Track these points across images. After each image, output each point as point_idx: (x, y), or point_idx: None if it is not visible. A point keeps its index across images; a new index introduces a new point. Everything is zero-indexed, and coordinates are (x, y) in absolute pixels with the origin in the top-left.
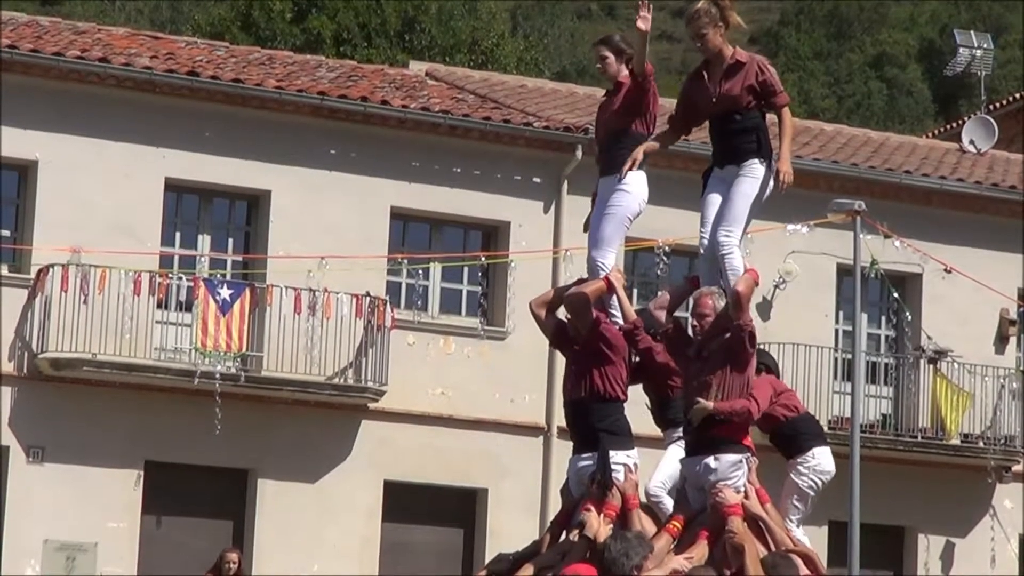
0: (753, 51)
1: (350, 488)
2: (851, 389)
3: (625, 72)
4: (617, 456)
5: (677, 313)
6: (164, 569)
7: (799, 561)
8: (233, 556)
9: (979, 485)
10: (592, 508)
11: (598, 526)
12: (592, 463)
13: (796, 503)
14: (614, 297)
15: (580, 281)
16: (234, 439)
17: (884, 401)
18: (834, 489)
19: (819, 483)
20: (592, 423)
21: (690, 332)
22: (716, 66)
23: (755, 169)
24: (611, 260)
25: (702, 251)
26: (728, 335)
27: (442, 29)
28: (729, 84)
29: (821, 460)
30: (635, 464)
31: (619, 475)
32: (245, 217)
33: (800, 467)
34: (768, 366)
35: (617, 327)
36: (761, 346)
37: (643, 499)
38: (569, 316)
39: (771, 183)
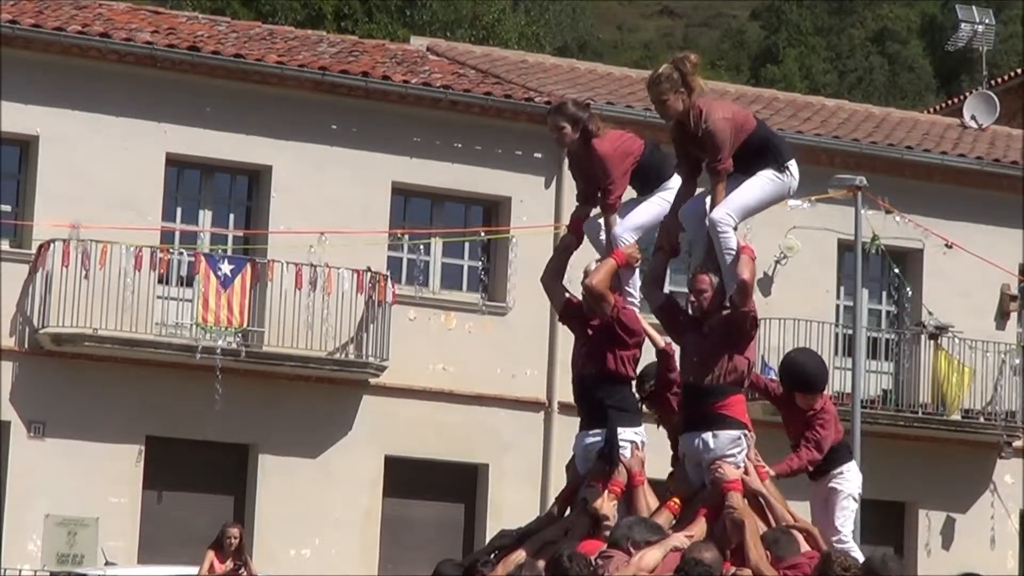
0: (755, 27)
1: (351, 463)
2: (852, 365)
3: (580, 143)
4: (625, 433)
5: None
6: (165, 544)
7: (800, 536)
8: (234, 531)
9: (980, 461)
10: (598, 484)
11: (603, 503)
12: (600, 439)
13: (848, 507)
14: (633, 275)
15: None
16: (235, 414)
17: (885, 377)
18: None
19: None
20: (600, 399)
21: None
22: (687, 123)
23: (769, 173)
24: (631, 240)
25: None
26: (728, 312)
27: (443, 4)
28: (702, 149)
29: (852, 471)
30: (642, 441)
31: (626, 452)
32: (246, 192)
33: (847, 473)
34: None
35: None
36: (763, 320)
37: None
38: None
39: (789, 188)
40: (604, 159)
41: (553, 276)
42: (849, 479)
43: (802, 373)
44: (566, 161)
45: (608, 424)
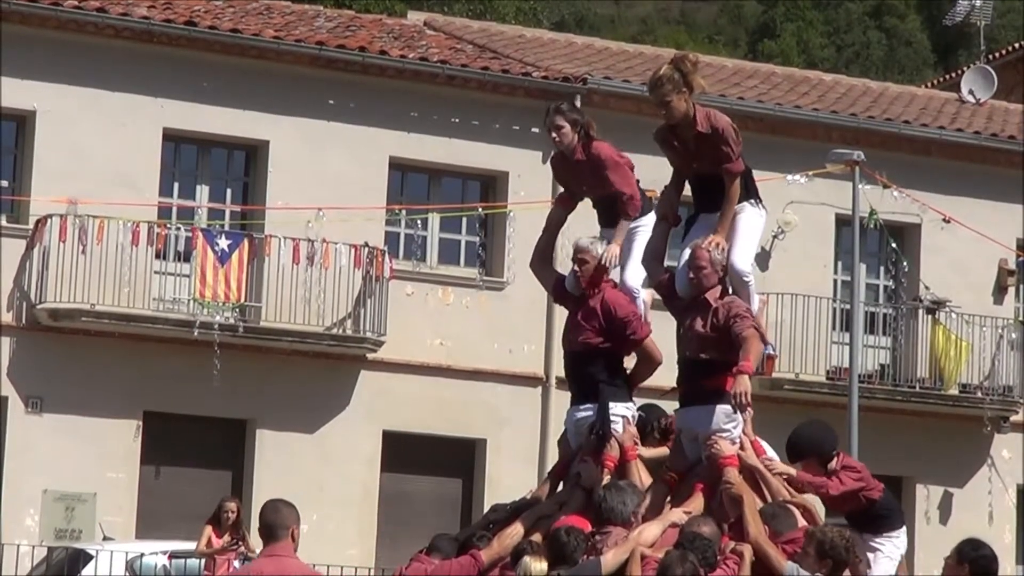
0: (752, 1)
1: (349, 438)
2: (850, 339)
3: (578, 146)
4: (616, 408)
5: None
6: (163, 519)
7: (797, 511)
8: (232, 506)
9: (977, 435)
10: (590, 459)
11: (596, 477)
12: (591, 414)
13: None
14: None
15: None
16: (233, 389)
17: (883, 351)
18: None
19: (902, 558)
20: (591, 374)
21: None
22: (685, 129)
23: (748, 210)
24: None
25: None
26: (736, 330)
27: None
28: (704, 152)
29: (904, 538)
30: (634, 416)
31: (618, 427)
32: (243, 167)
33: (895, 541)
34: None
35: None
36: (762, 296)
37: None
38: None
39: (763, 222)
40: (608, 161)
41: (541, 259)
42: (888, 552)
43: (790, 442)
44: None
45: (599, 399)
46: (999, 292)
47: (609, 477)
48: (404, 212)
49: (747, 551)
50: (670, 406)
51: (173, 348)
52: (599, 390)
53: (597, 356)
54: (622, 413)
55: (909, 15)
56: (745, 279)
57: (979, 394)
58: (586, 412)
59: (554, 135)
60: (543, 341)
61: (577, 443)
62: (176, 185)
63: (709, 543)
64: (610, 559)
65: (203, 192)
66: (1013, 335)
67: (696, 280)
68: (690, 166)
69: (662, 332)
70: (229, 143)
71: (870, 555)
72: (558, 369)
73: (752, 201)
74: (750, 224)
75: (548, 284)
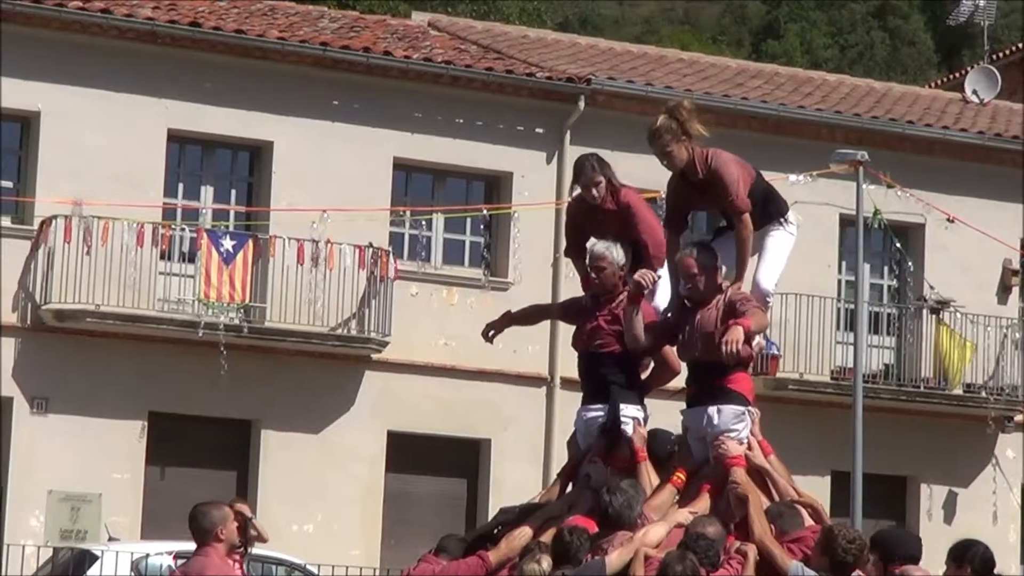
0: (756, 1)
1: (353, 438)
2: (854, 339)
3: (607, 196)
4: (627, 409)
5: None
6: (168, 520)
7: (803, 511)
8: (239, 507)
9: (981, 435)
10: (599, 460)
11: (606, 478)
12: (601, 414)
13: None
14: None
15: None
16: (238, 390)
17: (887, 351)
18: (837, 439)
19: None
20: (604, 375)
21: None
22: (691, 173)
23: (773, 231)
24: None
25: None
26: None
27: None
28: (710, 192)
29: None
30: (645, 417)
31: (628, 428)
32: (248, 168)
33: None
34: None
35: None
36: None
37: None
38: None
39: (794, 239)
40: (638, 213)
41: (530, 317)
42: None
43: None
44: (568, 135)
45: (610, 400)
46: (1003, 292)
47: (619, 479)
48: (408, 213)
49: (751, 551)
50: (678, 407)
51: (178, 349)
52: (610, 391)
53: (614, 359)
54: (633, 415)
55: (912, 15)
56: (768, 299)
57: (983, 394)
58: (596, 412)
59: (594, 191)
60: (547, 341)
61: (586, 444)
62: (181, 186)
63: (711, 543)
64: (614, 559)
65: (207, 193)
66: (1017, 335)
67: (693, 287)
68: (703, 206)
69: None
70: (233, 144)
71: None
72: (563, 369)
73: (778, 222)
74: (778, 245)
75: (555, 315)
